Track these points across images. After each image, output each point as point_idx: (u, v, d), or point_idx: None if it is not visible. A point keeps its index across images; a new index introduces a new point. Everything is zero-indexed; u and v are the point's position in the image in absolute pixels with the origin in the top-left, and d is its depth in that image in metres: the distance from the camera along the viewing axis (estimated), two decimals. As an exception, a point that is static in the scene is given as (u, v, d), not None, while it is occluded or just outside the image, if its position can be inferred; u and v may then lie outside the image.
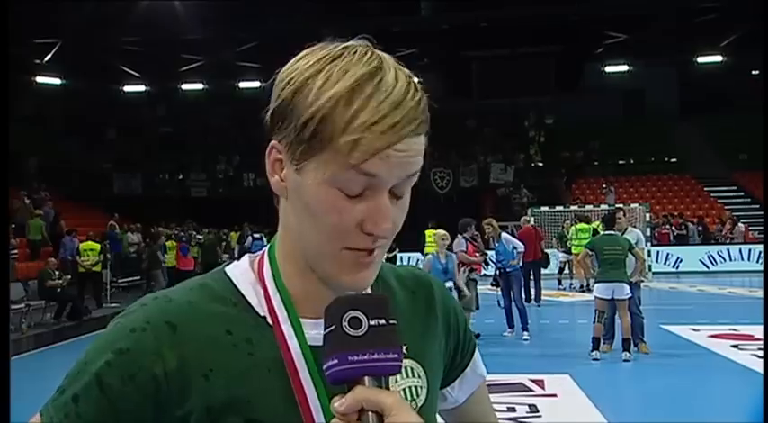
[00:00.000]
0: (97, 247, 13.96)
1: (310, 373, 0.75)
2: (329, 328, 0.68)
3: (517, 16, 20.94)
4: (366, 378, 0.66)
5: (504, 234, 9.50)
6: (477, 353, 0.98)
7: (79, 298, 12.71)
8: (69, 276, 12.73)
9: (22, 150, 21.15)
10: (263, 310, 0.78)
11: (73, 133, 25.08)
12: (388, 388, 0.68)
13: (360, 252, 0.73)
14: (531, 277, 12.67)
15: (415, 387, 0.83)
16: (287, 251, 0.80)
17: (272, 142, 0.75)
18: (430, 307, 0.90)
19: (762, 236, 18.39)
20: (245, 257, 0.84)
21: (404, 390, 0.82)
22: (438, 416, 0.96)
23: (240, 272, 0.82)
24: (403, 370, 0.80)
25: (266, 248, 0.84)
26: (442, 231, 8.27)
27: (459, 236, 8.98)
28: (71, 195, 21.07)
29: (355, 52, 0.72)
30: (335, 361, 0.66)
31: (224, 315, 0.77)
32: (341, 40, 0.76)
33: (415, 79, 0.75)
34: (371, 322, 0.67)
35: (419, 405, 0.83)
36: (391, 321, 0.69)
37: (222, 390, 0.73)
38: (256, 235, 17.63)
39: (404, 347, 0.81)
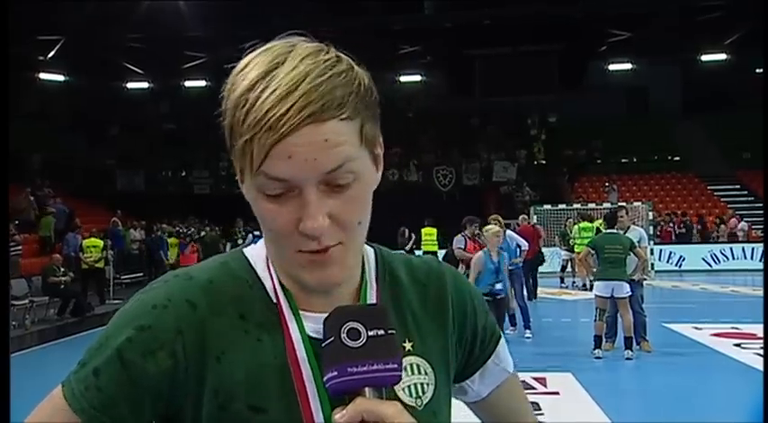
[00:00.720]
0: (100, 243, 13.99)
1: (310, 364, 0.75)
2: (328, 340, 0.68)
3: (520, 14, 20.89)
4: (367, 389, 0.67)
5: (509, 231, 9.49)
6: (502, 346, 0.93)
7: (82, 294, 12.74)
8: (73, 273, 12.77)
9: (26, 147, 21.20)
10: (275, 295, 0.79)
11: (76, 130, 25.11)
12: (393, 392, 0.70)
13: (309, 255, 0.71)
14: (530, 275, 12.68)
15: (421, 384, 0.82)
16: (271, 253, 0.80)
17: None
18: (441, 300, 0.87)
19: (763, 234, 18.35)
20: (261, 241, 0.84)
21: (408, 387, 0.81)
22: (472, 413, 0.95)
23: (257, 254, 0.82)
24: (408, 367, 0.81)
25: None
26: (496, 228, 7.61)
27: (460, 234, 9.00)
28: (74, 192, 21.10)
29: (266, 54, 0.72)
30: (335, 373, 0.67)
31: (240, 298, 0.78)
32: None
33: (338, 61, 0.71)
34: (370, 333, 0.68)
35: (424, 402, 0.81)
36: (390, 331, 0.69)
37: (230, 374, 0.74)
38: (257, 232, 17.67)
39: (410, 344, 0.82)
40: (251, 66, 0.71)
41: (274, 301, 0.78)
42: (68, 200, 19.60)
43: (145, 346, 0.73)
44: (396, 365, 0.68)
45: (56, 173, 21.20)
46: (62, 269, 12.21)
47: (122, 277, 16.09)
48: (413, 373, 0.82)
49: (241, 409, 0.74)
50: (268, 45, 0.74)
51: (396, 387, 0.77)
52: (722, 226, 19.82)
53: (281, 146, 0.67)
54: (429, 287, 0.87)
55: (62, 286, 12.07)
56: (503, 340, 0.94)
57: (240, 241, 18.75)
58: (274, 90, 0.68)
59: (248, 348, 0.75)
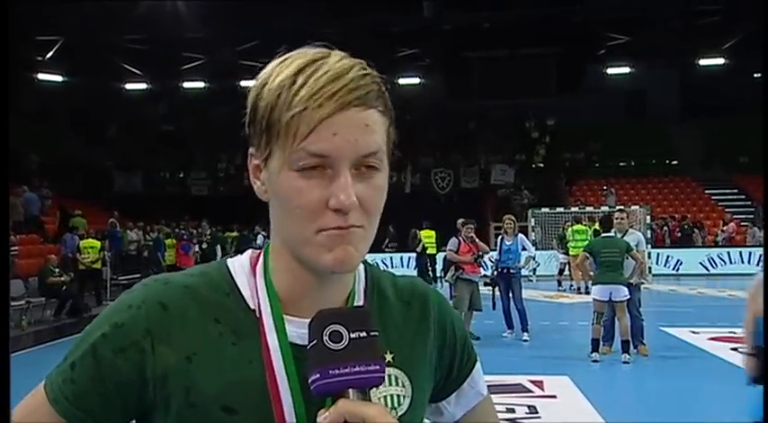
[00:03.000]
0: (97, 244, 13.97)
1: (287, 369, 0.77)
2: (312, 343, 0.70)
3: (519, 17, 20.93)
4: (350, 390, 0.68)
5: (520, 234, 9.47)
6: (477, 370, 0.96)
7: (79, 295, 12.72)
8: (72, 274, 12.78)
9: (24, 147, 21.18)
10: (253, 303, 0.81)
11: (74, 130, 25.08)
12: (372, 399, 0.70)
13: (333, 231, 0.73)
14: None
15: (397, 396, 0.84)
16: (275, 250, 0.82)
17: (250, 150, 0.80)
18: (424, 318, 0.90)
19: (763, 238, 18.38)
20: (248, 252, 0.87)
21: (385, 397, 0.83)
22: None
23: (239, 264, 0.85)
24: (387, 378, 0.81)
25: (266, 245, 0.86)
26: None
27: (455, 236, 8.99)
28: (72, 192, 21.07)
29: (304, 52, 0.77)
30: (318, 375, 0.68)
31: (215, 303, 0.80)
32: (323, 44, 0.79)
33: (369, 66, 0.77)
34: (352, 335, 0.69)
35: (399, 414, 0.83)
36: (372, 333, 0.70)
37: (202, 374, 0.77)
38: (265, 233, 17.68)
39: (391, 356, 0.84)
40: (291, 59, 0.76)
41: (252, 307, 0.80)
42: (66, 200, 19.58)
43: (116, 342, 0.77)
44: (378, 367, 0.69)
45: (54, 173, 21.16)
46: (57, 270, 12.20)
47: (119, 278, 16.04)
48: (390, 385, 0.84)
49: (213, 408, 0.76)
50: (297, 50, 0.78)
51: (372, 396, 0.78)
52: (723, 228, 19.86)
53: (329, 122, 0.71)
54: (412, 305, 0.90)
55: (63, 287, 12.07)
56: (478, 364, 0.97)
57: (254, 244, 18.77)
58: (327, 71, 0.73)
59: (222, 351, 0.78)
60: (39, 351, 9.50)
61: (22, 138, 21.55)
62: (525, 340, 8.83)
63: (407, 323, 0.88)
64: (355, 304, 0.84)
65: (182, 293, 0.80)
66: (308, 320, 0.73)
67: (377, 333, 0.71)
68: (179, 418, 0.76)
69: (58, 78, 23.54)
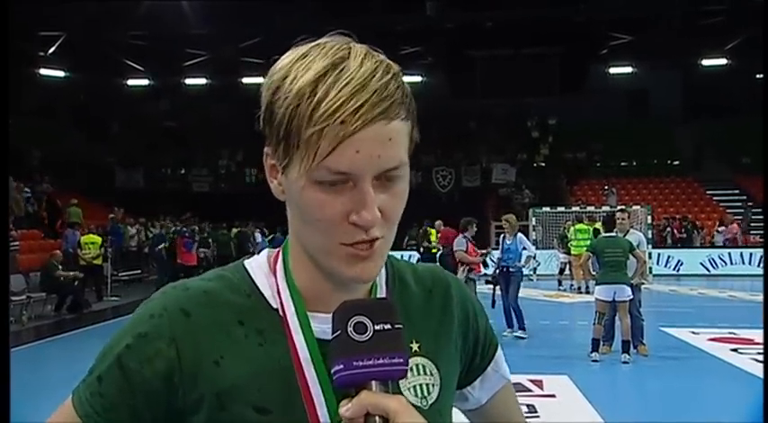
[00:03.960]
0: (98, 240, 13.99)
1: (316, 367, 0.76)
2: (336, 334, 0.69)
3: (522, 17, 20.91)
4: (373, 382, 0.67)
5: (519, 234, 9.47)
6: (499, 354, 0.96)
7: (80, 291, 12.74)
8: (79, 271, 12.90)
9: (26, 143, 21.17)
10: (275, 302, 0.80)
11: (76, 126, 25.10)
12: (399, 391, 0.70)
13: (354, 249, 0.73)
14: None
15: (427, 385, 0.84)
16: (294, 250, 0.82)
17: (265, 148, 0.77)
18: (446, 305, 0.90)
19: (762, 240, 18.39)
20: (265, 251, 0.87)
21: (414, 387, 0.82)
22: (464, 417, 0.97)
23: (257, 264, 0.84)
24: (415, 367, 0.83)
25: (284, 243, 0.86)
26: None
27: (460, 235, 9.00)
28: (74, 188, 21.08)
29: (324, 47, 0.73)
30: (341, 366, 0.67)
31: (238, 305, 0.80)
32: (331, 35, 0.76)
33: (391, 64, 0.74)
34: (377, 327, 0.68)
35: (430, 403, 0.83)
36: (396, 326, 0.69)
37: (232, 377, 0.76)
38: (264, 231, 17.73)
39: (417, 345, 0.84)
40: (311, 59, 0.72)
41: (275, 307, 0.80)
42: (68, 196, 19.59)
43: (142, 352, 0.77)
44: (402, 360, 0.68)
45: (55, 169, 21.19)
46: (60, 266, 12.25)
47: (120, 274, 16.07)
48: (419, 374, 0.83)
49: (244, 410, 0.76)
50: (317, 41, 0.75)
51: (402, 387, 0.79)
52: (722, 228, 19.85)
53: (351, 140, 0.68)
54: (434, 293, 0.90)
55: (75, 282, 12.25)
56: (500, 348, 0.97)
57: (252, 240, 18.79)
58: (347, 83, 0.69)
59: (249, 352, 0.77)
60: (39, 346, 9.51)
61: (23, 134, 21.53)
62: (521, 338, 8.84)
63: (431, 311, 0.88)
64: (378, 294, 0.83)
65: (203, 299, 0.80)
66: (330, 316, 0.73)
67: (401, 326, 0.70)
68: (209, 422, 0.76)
69: (60, 74, 23.56)
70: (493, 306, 9.08)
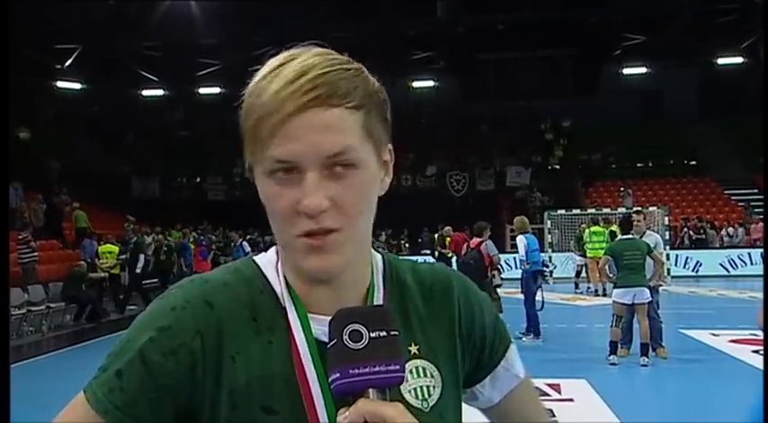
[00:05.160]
0: (116, 249, 14.10)
1: (315, 367, 0.76)
2: (332, 342, 0.70)
3: (533, 19, 20.86)
4: (370, 390, 0.68)
5: (519, 236, 9.44)
6: (512, 352, 0.94)
7: (98, 300, 12.87)
8: (104, 274, 13.14)
9: (43, 154, 21.48)
10: (284, 300, 0.81)
11: (92, 137, 25.40)
12: (395, 398, 0.70)
13: (311, 237, 0.73)
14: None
15: (427, 387, 0.83)
16: (281, 252, 0.83)
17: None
18: (448, 304, 0.88)
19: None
20: (273, 248, 0.86)
21: (415, 389, 0.82)
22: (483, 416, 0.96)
23: (267, 261, 0.84)
24: (415, 370, 0.82)
25: None
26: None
27: (483, 239, 8.97)
28: (90, 198, 21.34)
29: (282, 55, 0.76)
30: (338, 375, 0.68)
31: (252, 301, 0.80)
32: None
33: (345, 60, 0.76)
34: (372, 334, 0.69)
35: (431, 405, 0.82)
36: (392, 332, 0.70)
37: (244, 374, 0.76)
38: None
39: (416, 347, 0.84)
40: (267, 63, 0.77)
41: (283, 305, 0.80)
42: (84, 206, 19.81)
43: (166, 345, 0.76)
44: (398, 367, 0.69)
45: (73, 179, 21.45)
46: (88, 275, 12.52)
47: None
48: (419, 376, 0.83)
49: (253, 409, 0.76)
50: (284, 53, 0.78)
51: (402, 389, 0.79)
52: (740, 230, 19.60)
53: (286, 127, 0.71)
54: (435, 291, 0.89)
55: (104, 283, 12.76)
56: (513, 346, 0.94)
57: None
58: (288, 73, 0.72)
59: (260, 350, 0.77)
60: (58, 355, 9.62)
61: (41, 145, 21.90)
62: (533, 342, 8.83)
63: (430, 311, 0.87)
64: (375, 296, 0.83)
65: (224, 291, 0.80)
66: (329, 318, 0.73)
67: (397, 332, 0.70)
68: (222, 420, 0.76)
69: (77, 86, 23.87)
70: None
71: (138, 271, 13.46)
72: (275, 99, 0.71)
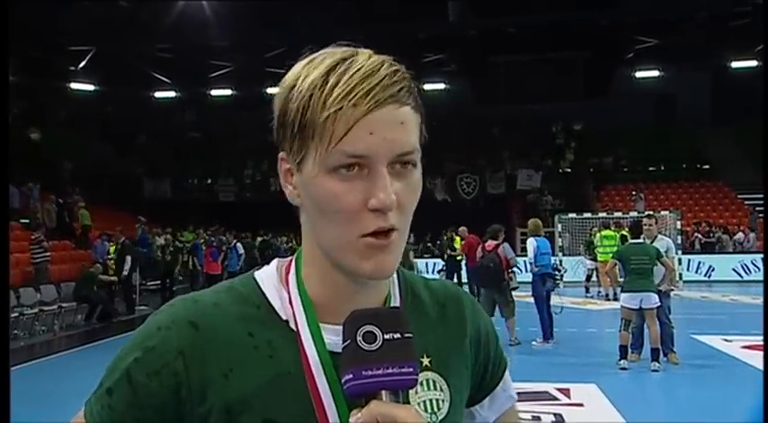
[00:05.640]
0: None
1: (328, 378, 0.76)
2: (345, 343, 0.70)
3: (545, 21, 20.80)
4: (383, 392, 0.67)
5: (530, 238, 9.41)
6: (507, 374, 0.96)
7: (109, 300, 12.98)
8: (114, 277, 13.23)
9: (57, 154, 21.68)
10: (285, 314, 0.80)
11: (105, 138, 25.62)
12: (407, 401, 0.70)
13: (376, 236, 0.72)
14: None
15: (437, 400, 0.83)
16: (308, 257, 0.81)
17: (280, 154, 0.78)
18: (459, 321, 0.89)
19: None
20: (275, 261, 0.86)
21: (424, 402, 0.82)
22: None
23: (267, 276, 0.83)
24: (425, 382, 0.82)
25: (297, 252, 0.85)
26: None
27: (500, 241, 8.96)
28: (102, 199, 21.52)
29: (332, 52, 0.76)
30: (351, 376, 0.68)
31: (247, 317, 0.79)
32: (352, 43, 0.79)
33: (398, 65, 0.76)
34: (386, 336, 0.68)
35: (440, 419, 0.82)
36: (406, 335, 0.69)
37: (241, 390, 0.75)
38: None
39: (428, 360, 0.84)
40: (320, 58, 0.75)
41: (284, 318, 0.79)
42: (96, 207, 19.96)
43: (149, 365, 0.76)
44: (412, 369, 0.68)
45: (85, 180, 21.64)
46: (101, 277, 12.74)
47: (148, 283, 16.28)
48: (429, 389, 0.82)
49: (254, 422, 0.75)
50: (323, 51, 0.77)
51: (412, 402, 0.78)
52: (751, 235, 19.44)
53: (364, 121, 0.70)
54: (448, 308, 0.89)
55: (113, 287, 12.82)
56: (507, 368, 0.97)
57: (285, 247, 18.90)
58: (358, 69, 0.72)
59: (259, 364, 0.77)
60: (69, 355, 9.68)
61: (54, 146, 22.11)
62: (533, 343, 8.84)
63: (443, 326, 0.87)
64: (392, 305, 0.83)
65: (212, 311, 0.79)
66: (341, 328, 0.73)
67: (411, 335, 0.70)
68: None
69: (90, 87, 24.07)
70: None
71: (125, 273, 13.37)
72: (355, 92, 0.70)
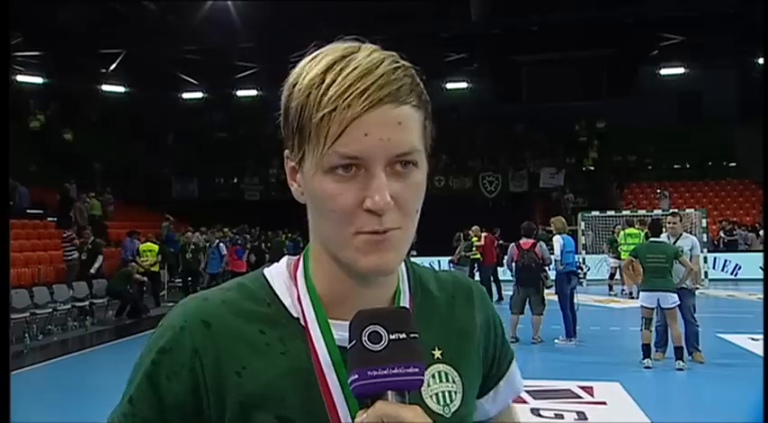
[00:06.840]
0: (156, 247, 14.49)
1: (338, 374, 0.76)
2: (351, 343, 0.69)
3: (568, 20, 20.66)
4: (389, 392, 0.67)
5: (556, 236, 9.41)
6: (514, 366, 0.95)
7: (139, 297, 13.28)
8: (145, 278, 13.59)
9: (88, 154, 22.19)
10: (295, 311, 0.80)
11: (135, 139, 26.12)
12: (420, 399, 0.72)
13: (370, 236, 0.71)
14: (493, 279, 13.70)
15: (449, 392, 0.82)
16: (315, 254, 0.81)
17: (285, 152, 0.78)
18: (469, 311, 0.89)
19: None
20: (285, 258, 0.86)
21: (437, 394, 0.81)
22: None
23: (277, 273, 0.84)
24: (437, 375, 0.82)
25: (305, 249, 0.85)
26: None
27: (541, 241, 9.05)
28: (133, 198, 21.99)
29: (334, 47, 0.75)
30: (356, 376, 0.67)
31: (258, 314, 0.79)
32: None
33: (402, 59, 0.75)
34: (392, 336, 0.68)
35: (452, 410, 0.82)
36: (412, 335, 0.69)
37: (254, 386, 0.76)
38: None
39: (439, 352, 0.83)
40: (322, 55, 0.74)
41: (295, 315, 0.79)
42: (126, 206, 20.40)
43: (168, 367, 0.77)
44: (417, 370, 0.68)
45: (116, 180, 22.13)
46: (136, 276, 13.14)
47: (176, 280, 16.57)
48: (441, 381, 0.82)
49: (267, 419, 0.75)
50: (328, 46, 0.76)
51: (423, 394, 0.79)
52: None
53: (359, 122, 0.69)
54: (457, 299, 0.89)
55: (144, 287, 13.20)
56: (515, 362, 0.96)
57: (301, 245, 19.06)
58: (355, 68, 0.70)
59: (270, 361, 0.77)
60: (100, 350, 9.95)
61: (86, 146, 22.63)
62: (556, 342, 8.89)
63: (453, 318, 0.87)
64: (401, 303, 0.82)
65: (223, 309, 0.79)
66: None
67: (417, 335, 0.69)
68: None
69: (121, 89, 24.57)
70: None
71: (92, 271, 13.18)
72: (349, 92, 0.68)
